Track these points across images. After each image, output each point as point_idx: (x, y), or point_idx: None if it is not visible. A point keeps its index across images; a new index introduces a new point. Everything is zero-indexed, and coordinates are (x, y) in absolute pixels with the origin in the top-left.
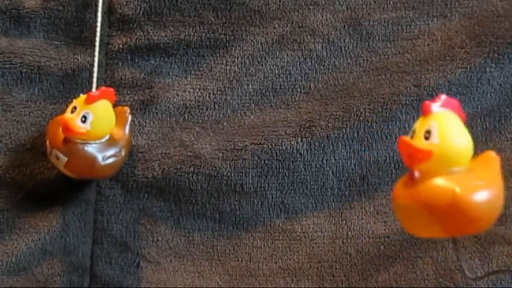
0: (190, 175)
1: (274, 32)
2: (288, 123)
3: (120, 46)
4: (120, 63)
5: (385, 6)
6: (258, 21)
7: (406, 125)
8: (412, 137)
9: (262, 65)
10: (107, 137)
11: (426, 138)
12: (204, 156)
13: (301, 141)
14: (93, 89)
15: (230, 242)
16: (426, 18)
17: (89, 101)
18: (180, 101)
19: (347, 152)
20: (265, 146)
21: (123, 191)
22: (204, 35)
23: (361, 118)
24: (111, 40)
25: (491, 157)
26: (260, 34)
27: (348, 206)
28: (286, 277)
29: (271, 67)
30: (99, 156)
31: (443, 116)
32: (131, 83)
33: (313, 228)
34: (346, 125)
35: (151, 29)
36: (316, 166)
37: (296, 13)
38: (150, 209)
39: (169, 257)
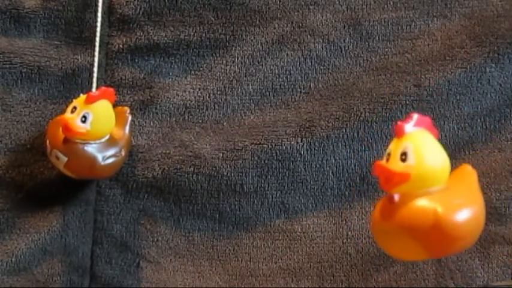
0: (190, 175)
1: (274, 32)
2: (288, 123)
3: (120, 46)
4: (120, 63)
5: (385, 6)
6: (258, 21)
7: None
8: (387, 160)
9: (262, 65)
10: (107, 137)
11: (402, 160)
12: (204, 156)
13: (301, 141)
14: (93, 89)
15: (230, 242)
16: (426, 18)
17: (89, 101)
18: (180, 101)
19: (347, 152)
20: (265, 146)
21: (123, 191)
22: (204, 35)
23: (361, 118)
24: (111, 40)
25: (468, 171)
26: (260, 34)
27: (348, 206)
28: (286, 277)
29: (271, 67)
30: (99, 156)
31: (417, 135)
32: (131, 83)
33: (313, 228)
34: (346, 125)
35: (151, 29)
36: (316, 166)
37: (296, 13)
38: (150, 209)
39: (169, 257)
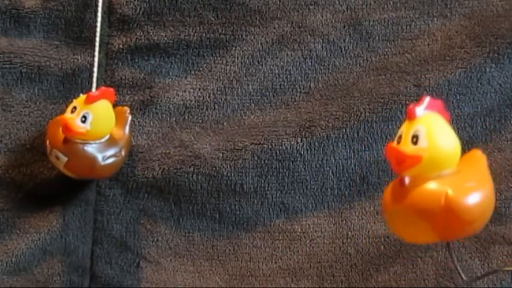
0: (190, 175)
1: (274, 32)
2: (288, 123)
3: (120, 46)
4: (120, 63)
5: (385, 6)
6: (258, 21)
7: None
8: (398, 143)
9: (262, 65)
10: (107, 137)
11: (414, 142)
12: (204, 156)
13: (301, 141)
14: (93, 89)
15: (230, 242)
16: (426, 18)
17: (89, 101)
18: (180, 101)
19: (347, 152)
20: (265, 146)
21: (123, 191)
22: (204, 35)
23: (361, 118)
24: (111, 40)
25: (478, 156)
26: (260, 34)
27: (348, 206)
28: (286, 277)
29: (271, 67)
30: (99, 156)
31: (429, 118)
32: (131, 83)
33: (313, 228)
34: (346, 125)
35: (151, 29)
36: (316, 166)
37: (296, 13)
38: (150, 209)
39: (169, 257)
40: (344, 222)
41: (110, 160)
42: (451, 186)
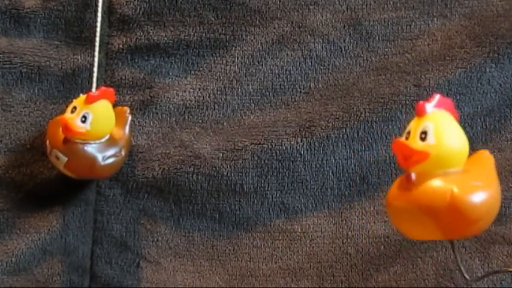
0: (190, 175)
1: (274, 32)
2: (288, 123)
3: (120, 46)
4: (120, 63)
5: (385, 6)
6: (258, 21)
7: (406, 125)
8: (407, 138)
9: (262, 65)
10: (107, 137)
11: (422, 139)
12: (204, 156)
13: (301, 141)
14: (93, 89)
15: (230, 242)
16: (426, 18)
17: (89, 101)
18: (180, 101)
19: (347, 152)
20: (265, 146)
21: (123, 191)
22: (204, 35)
23: (361, 118)
24: (111, 40)
25: (486, 156)
26: (260, 34)
27: (348, 206)
28: (286, 277)
29: (271, 67)
30: (99, 156)
31: (438, 116)
32: (131, 83)
33: (313, 228)
34: (346, 125)
35: (151, 29)
36: (316, 166)
37: (296, 13)
38: (150, 209)
39: (169, 257)
40: (344, 222)
41: (110, 160)
42: (457, 184)
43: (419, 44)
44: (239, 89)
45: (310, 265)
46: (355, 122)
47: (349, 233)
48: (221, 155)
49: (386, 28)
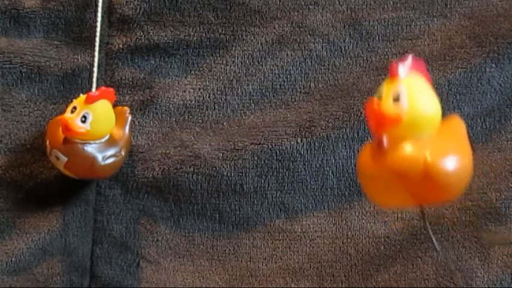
0: (190, 175)
1: (274, 32)
2: (288, 123)
3: (120, 46)
4: (120, 63)
5: (385, 6)
6: (258, 21)
7: None
8: (379, 101)
9: (262, 65)
10: (107, 137)
11: (394, 101)
12: (204, 156)
13: (301, 141)
14: (93, 89)
15: (230, 242)
16: (426, 18)
17: (89, 101)
18: (180, 101)
19: (347, 152)
20: (265, 146)
21: (123, 191)
22: (204, 35)
23: (361, 118)
24: (111, 40)
25: (457, 122)
26: (260, 34)
27: (348, 206)
28: (286, 277)
29: (271, 67)
30: (99, 156)
31: (411, 79)
32: (131, 83)
33: (313, 228)
34: (346, 125)
35: (151, 29)
36: (316, 166)
37: (296, 13)
38: (150, 209)
39: (169, 257)
40: (344, 222)
41: (110, 160)
42: (430, 150)
43: (419, 44)
44: (239, 89)
45: (310, 265)
46: (355, 122)
47: (349, 233)
48: (221, 155)
49: (386, 28)
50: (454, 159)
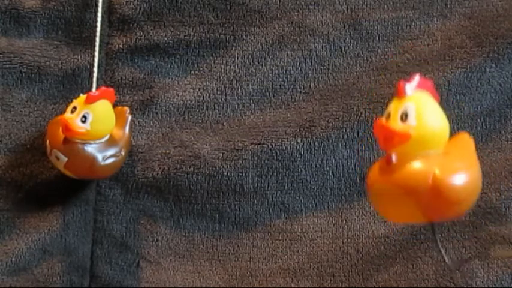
0: (190, 175)
1: (274, 32)
2: (288, 123)
3: (120, 46)
4: (120, 63)
5: (385, 6)
6: (258, 21)
7: None
8: (387, 119)
9: (262, 65)
10: (107, 137)
11: (403, 120)
12: (204, 156)
13: (301, 141)
14: (93, 89)
15: (230, 242)
16: (426, 18)
17: (89, 101)
18: (180, 101)
19: (347, 152)
20: (265, 146)
21: (123, 191)
22: (204, 35)
23: (361, 118)
24: (111, 40)
25: (465, 139)
26: (260, 34)
27: (348, 206)
28: (286, 277)
29: (271, 67)
30: (99, 156)
31: (419, 97)
32: (131, 83)
33: (313, 228)
34: (346, 125)
35: (151, 29)
36: (316, 166)
37: (296, 13)
38: (150, 209)
39: (169, 257)
40: (344, 222)
41: (110, 160)
42: (439, 166)
43: (419, 44)
44: (239, 89)
45: (310, 265)
46: (355, 122)
47: (349, 233)
48: (221, 155)
49: (386, 28)
50: (463, 175)
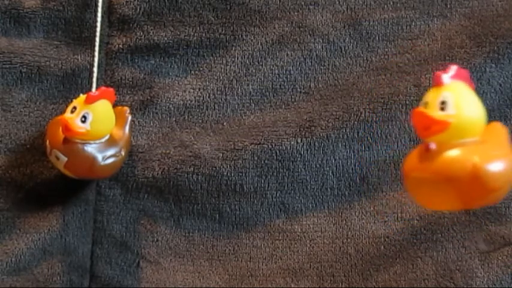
0: (190, 175)
1: (274, 32)
2: (288, 123)
3: (120, 46)
4: (120, 63)
5: (385, 6)
6: (258, 21)
7: (406, 125)
8: (425, 108)
9: (262, 65)
10: (107, 137)
11: (441, 109)
12: (204, 156)
13: (301, 141)
14: (93, 89)
15: (230, 242)
16: (426, 18)
17: (89, 101)
18: (180, 101)
19: (347, 152)
20: (265, 146)
21: (123, 191)
22: (204, 35)
23: (361, 118)
24: (111, 40)
25: (499, 127)
26: (260, 34)
27: (348, 206)
28: (286, 277)
29: (271, 67)
30: (99, 156)
31: (456, 86)
32: (131, 83)
33: (313, 228)
34: (346, 125)
35: (151, 29)
36: (316, 166)
37: (296, 13)
38: (150, 209)
39: (169, 257)
40: (344, 222)
41: (110, 160)
42: (478, 154)
43: (419, 44)
44: (239, 89)
45: (310, 265)
46: (355, 122)
47: (349, 233)
48: (221, 155)
49: (386, 28)
50: (500, 163)
